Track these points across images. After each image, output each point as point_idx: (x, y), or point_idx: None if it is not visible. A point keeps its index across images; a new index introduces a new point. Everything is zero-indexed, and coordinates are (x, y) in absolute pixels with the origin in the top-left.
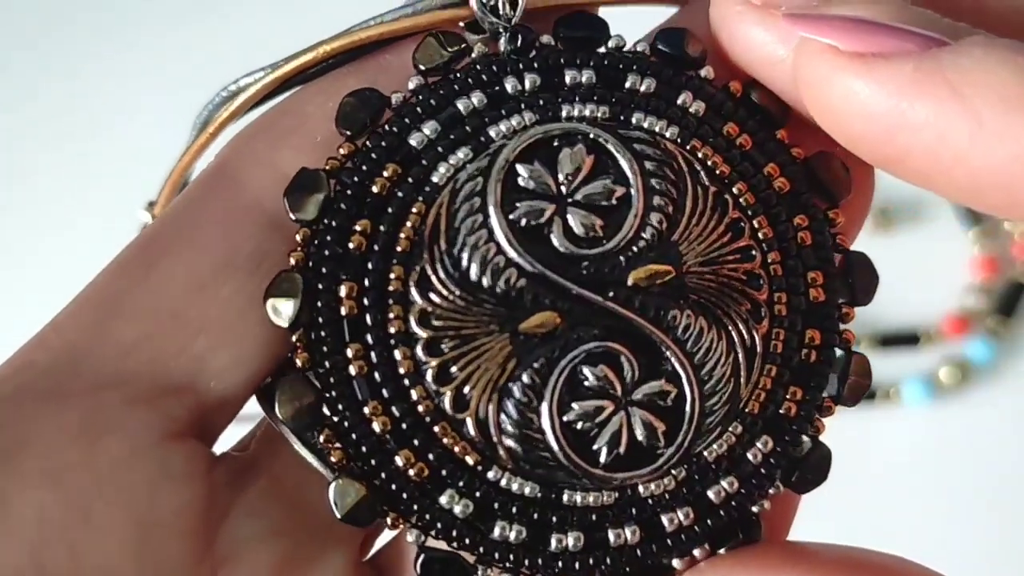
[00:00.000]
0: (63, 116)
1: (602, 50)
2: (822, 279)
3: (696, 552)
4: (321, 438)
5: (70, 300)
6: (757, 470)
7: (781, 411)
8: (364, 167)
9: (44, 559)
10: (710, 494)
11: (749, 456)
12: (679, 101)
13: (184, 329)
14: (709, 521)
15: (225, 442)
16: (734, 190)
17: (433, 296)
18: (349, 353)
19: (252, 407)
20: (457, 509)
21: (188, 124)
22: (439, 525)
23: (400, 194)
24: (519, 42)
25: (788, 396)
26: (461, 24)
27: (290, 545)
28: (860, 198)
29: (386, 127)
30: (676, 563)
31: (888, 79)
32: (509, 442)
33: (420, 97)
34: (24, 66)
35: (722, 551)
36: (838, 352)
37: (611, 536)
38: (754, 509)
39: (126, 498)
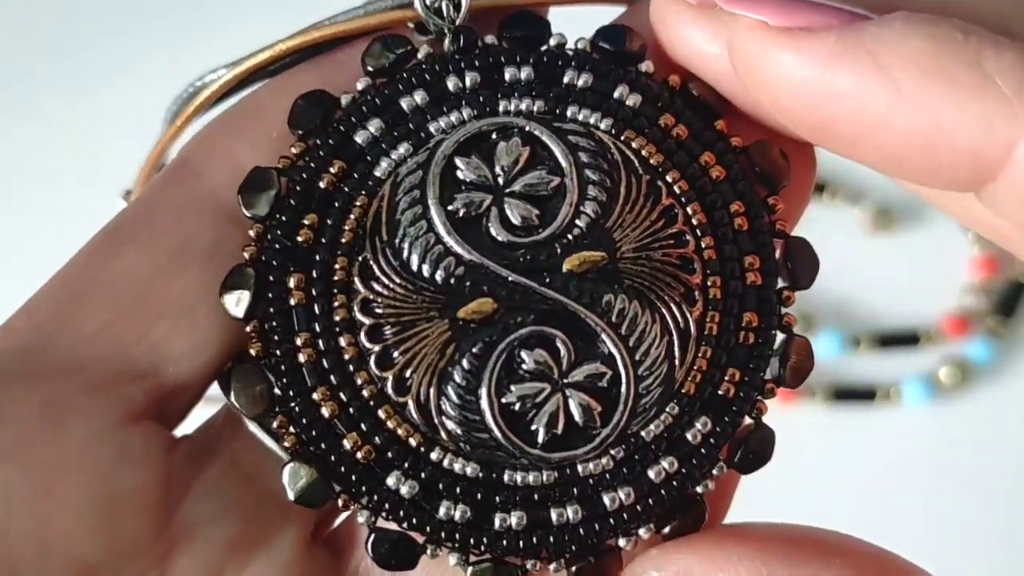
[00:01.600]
0: (43, 107)
1: (544, 48)
2: (759, 263)
3: (641, 532)
4: (275, 424)
5: (43, 285)
6: (697, 450)
7: (719, 392)
8: (312, 164)
9: (9, 529)
10: (650, 473)
11: (688, 436)
12: (615, 95)
13: (143, 316)
14: (651, 501)
15: (195, 422)
16: (668, 178)
17: (375, 285)
18: (298, 341)
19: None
20: (403, 490)
21: (160, 117)
22: (387, 505)
23: (346, 189)
24: (462, 42)
25: (726, 378)
26: (410, 25)
27: (246, 523)
28: (800, 184)
29: (334, 126)
30: (622, 542)
31: (813, 51)
32: (450, 424)
33: (367, 97)
34: (24, 71)
35: (666, 530)
36: (780, 336)
37: (553, 515)
38: (698, 490)
39: (87, 476)
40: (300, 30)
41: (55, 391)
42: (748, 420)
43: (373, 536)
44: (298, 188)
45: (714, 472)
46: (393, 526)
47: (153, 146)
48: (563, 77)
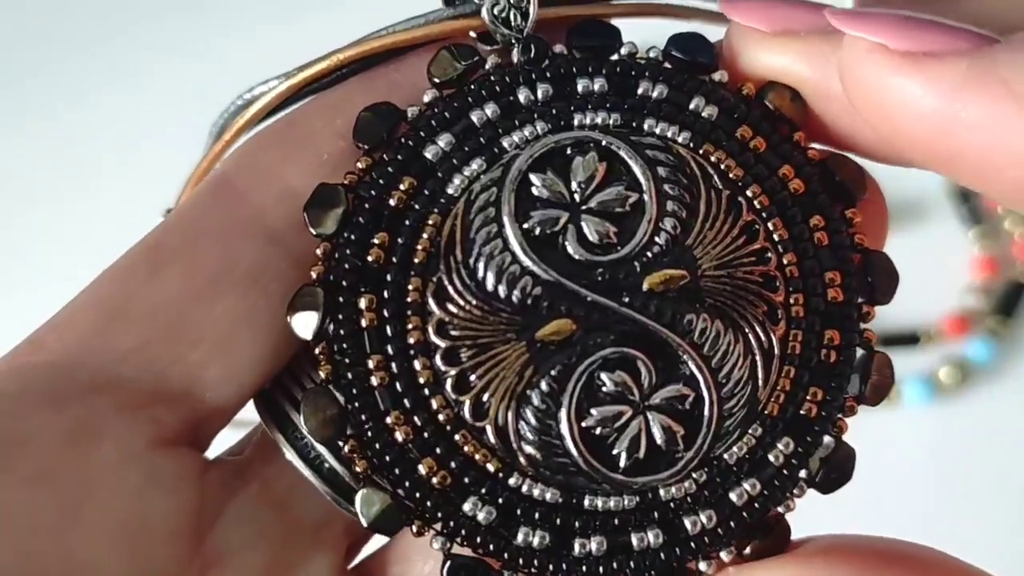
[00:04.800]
0: (76, 123)
1: (615, 58)
2: (840, 279)
3: (723, 555)
4: (346, 448)
5: (68, 302)
6: (779, 471)
7: (801, 412)
8: (381, 181)
9: (35, 556)
10: (732, 496)
11: (771, 458)
12: (691, 106)
13: (180, 338)
14: (732, 523)
15: (221, 445)
16: (748, 193)
17: (450, 306)
18: (370, 364)
19: (248, 412)
20: (480, 516)
21: (202, 131)
22: (463, 532)
23: (416, 206)
24: (532, 52)
25: (808, 397)
26: (473, 35)
27: (278, 550)
28: (875, 202)
29: (402, 140)
30: (703, 566)
31: (941, 78)
32: (529, 449)
33: (435, 110)
34: (35, 73)
35: (748, 551)
36: (859, 352)
37: (634, 540)
38: (780, 510)
39: (116, 501)
40: (356, 40)
41: (85, 411)
42: (827, 439)
43: (449, 562)
44: (367, 206)
45: (795, 493)
46: (468, 552)
47: (199, 161)
48: (637, 88)
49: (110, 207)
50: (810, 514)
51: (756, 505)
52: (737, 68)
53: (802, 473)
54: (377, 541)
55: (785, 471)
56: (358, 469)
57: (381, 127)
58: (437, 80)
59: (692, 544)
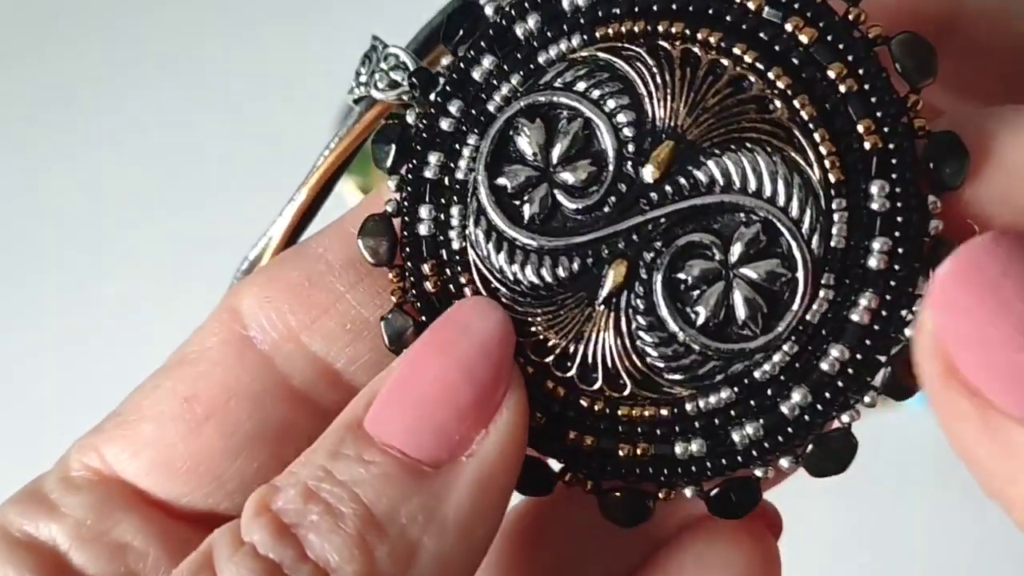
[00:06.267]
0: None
1: (491, 19)
2: (846, 70)
3: (866, 399)
4: None
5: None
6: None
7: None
8: (412, 278)
9: None
10: (871, 263)
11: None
12: (564, 8)
13: (219, 491)
14: (890, 295)
15: None
16: (659, 29)
17: (533, 329)
18: None
19: None
20: (695, 450)
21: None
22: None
23: (448, 273)
24: (420, 85)
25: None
26: (392, 112)
27: None
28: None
29: (403, 233)
30: (758, 472)
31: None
32: (676, 377)
33: (403, 189)
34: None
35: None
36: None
37: (824, 366)
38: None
39: None
40: (309, 172)
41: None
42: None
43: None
44: (419, 304)
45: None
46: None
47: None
48: (516, 32)
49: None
50: (810, 513)
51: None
52: None
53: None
54: None
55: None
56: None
57: (386, 241)
58: (387, 167)
59: (876, 329)
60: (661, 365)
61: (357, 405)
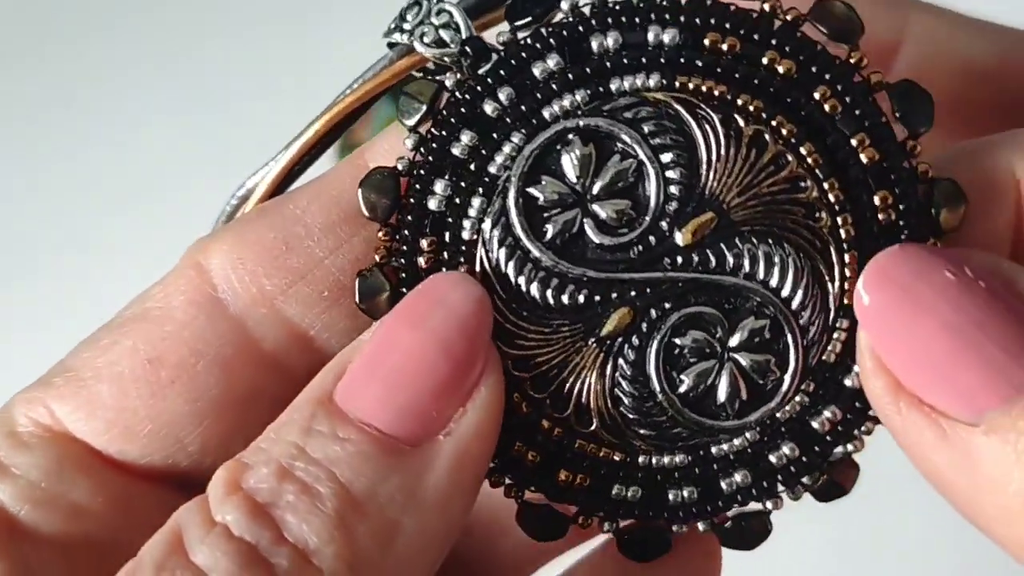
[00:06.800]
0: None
1: (559, 17)
2: (868, 141)
3: (863, 430)
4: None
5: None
6: None
7: None
8: (405, 247)
9: None
10: (847, 382)
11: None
12: (649, 38)
13: (179, 453)
14: (858, 403)
15: None
16: (739, 102)
17: (518, 342)
18: None
19: None
20: (629, 495)
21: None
22: (620, 511)
23: (446, 255)
24: (472, 55)
25: None
26: (427, 66)
27: None
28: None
29: (408, 199)
30: (769, 505)
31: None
32: (642, 431)
33: (422, 153)
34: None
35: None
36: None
37: (772, 459)
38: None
39: None
40: (325, 108)
41: None
42: None
43: (619, 535)
44: (403, 275)
45: None
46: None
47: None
48: (591, 47)
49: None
50: (810, 513)
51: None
52: None
53: None
54: None
55: None
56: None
57: (387, 198)
58: (409, 123)
59: (828, 439)
60: (632, 417)
61: (326, 378)
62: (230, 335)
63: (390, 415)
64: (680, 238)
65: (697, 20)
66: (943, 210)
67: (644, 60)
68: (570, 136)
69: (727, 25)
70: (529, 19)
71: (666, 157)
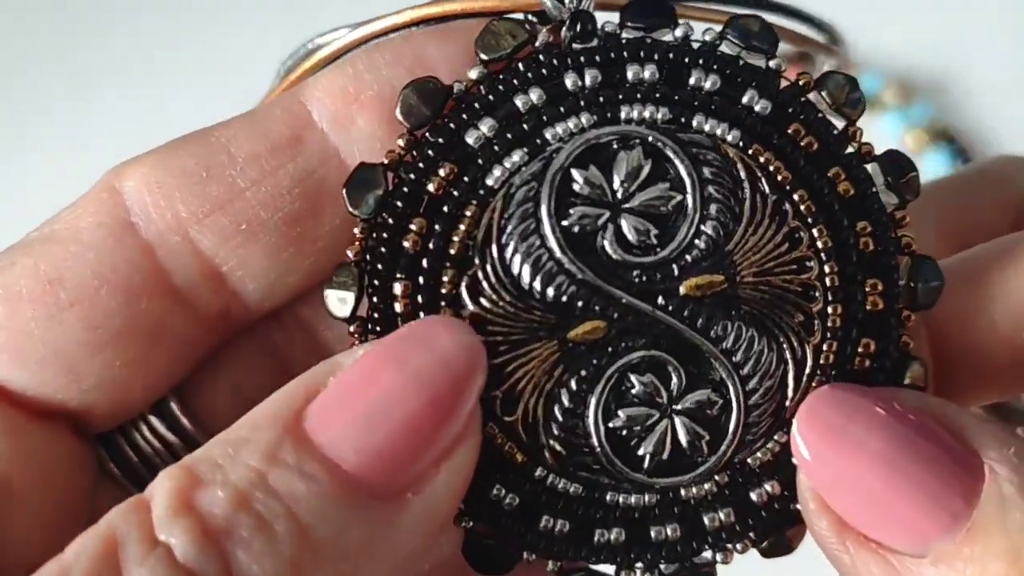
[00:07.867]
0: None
1: (668, 38)
2: (882, 287)
3: (738, 547)
4: None
5: None
6: None
7: None
8: (421, 164)
9: None
10: (752, 496)
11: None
12: (744, 100)
13: (73, 384)
14: (751, 521)
15: None
16: (795, 197)
17: (484, 301)
18: None
19: None
20: (505, 502)
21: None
22: (488, 514)
23: (456, 194)
24: (578, 28)
25: None
26: (532, 17)
27: None
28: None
29: (445, 121)
30: (718, 557)
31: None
32: (555, 445)
33: (481, 89)
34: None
35: (764, 545)
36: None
37: (652, 533)
38: (798, 507)
39: None
40: (423, 3)
41: None
42: None
43: (468, 539)
44: (405, 189)
45: None
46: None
47: (265, 96)
48: (689, 78)
49: None
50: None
51: (776, 505)
52: None
53: None
54: None
55: None
56: None
57: (427, 107)
58: (484, 57)
59: (709, 538)
60: (555, 424)
61: (296, 393)
62: (138, 262)
63: (360, 456)
64: (684, 287)
65: (789, 106)
66: (920, 285)
67: (732, 112)
68: (635, 142)
69: (809, 119)
70: (641, 26)
71: (712, 209)
